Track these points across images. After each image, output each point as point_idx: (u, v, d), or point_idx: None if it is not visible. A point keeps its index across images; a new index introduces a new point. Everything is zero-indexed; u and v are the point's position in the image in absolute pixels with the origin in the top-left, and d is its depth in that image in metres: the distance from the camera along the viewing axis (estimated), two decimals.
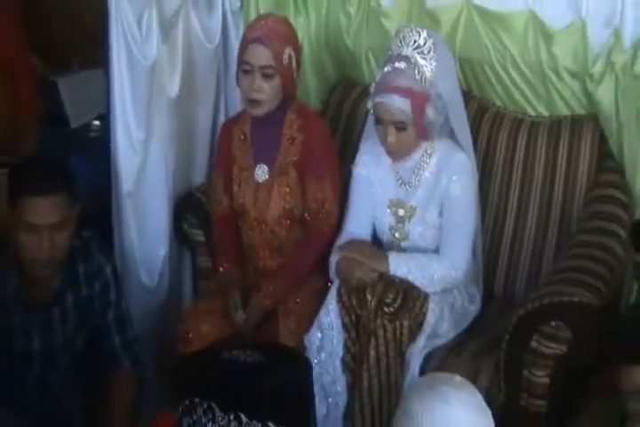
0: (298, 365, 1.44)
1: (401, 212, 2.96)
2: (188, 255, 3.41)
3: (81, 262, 2.70)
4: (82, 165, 3.22)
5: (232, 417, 1.34)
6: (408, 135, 2.81)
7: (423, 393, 1.89)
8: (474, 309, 3.05)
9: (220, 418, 1.34)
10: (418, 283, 2.82)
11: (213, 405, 1.34)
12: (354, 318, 2.82)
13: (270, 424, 1.33)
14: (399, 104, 2.75)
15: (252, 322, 2.92)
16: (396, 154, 2.88)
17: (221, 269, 3.10)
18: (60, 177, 2.59)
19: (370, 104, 2.84)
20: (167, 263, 3.34)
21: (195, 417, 1.36)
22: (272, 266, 3.09)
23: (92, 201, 3.01)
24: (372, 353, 2.76)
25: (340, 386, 2.85)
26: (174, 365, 1.46)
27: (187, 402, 1.38)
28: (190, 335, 2.91)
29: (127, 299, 2.88)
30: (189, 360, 1.49)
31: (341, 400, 2.85)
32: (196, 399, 1.36)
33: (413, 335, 2.79)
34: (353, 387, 2.83)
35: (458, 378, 1.97)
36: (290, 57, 2.93)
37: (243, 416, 1.33)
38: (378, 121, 2.83)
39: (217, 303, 3.00)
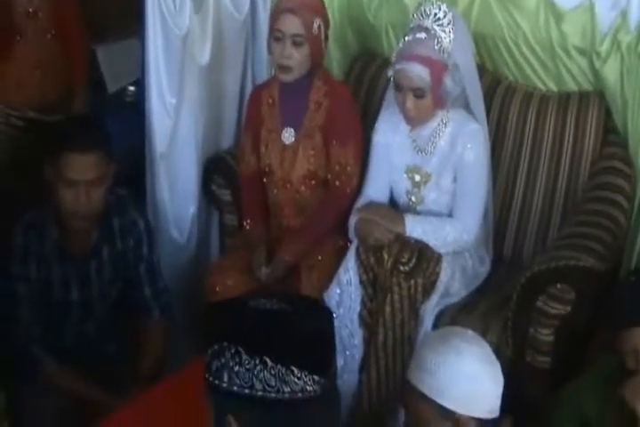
0: (321, 313, 1.43)
1: (417, 177, 2.94)
2: (216, 214, 3.40)
3: (116, 218, 2.71)
4: (117, 128, 3.20)
5: (258, 361, 1.32)
6: (425, 103, 2.78)
7: (436, 346, 1.89)
8: (484, 270, 3.04)
9: (246, 362, 1.33)
10: (432, 244, 2.81)
11: (240, 349, 1.33)
12: (371, 275, 2.82)
13: (294, 369, 1.32)
14: (419, 71, 2.73)
15: (276, 277, 2.92)
16: (414, 120, 2.85)
17: (247, 226, 3.10)
18: (98, 136, 2.61)
19: (390, 72, 2.82)
20: (196, 221, 3.33)
21: (223, 361, 1.35)
22: (295, 224, 3.08)
23: (126, 162, 3.01)
24: (388, 309, 2.76)
25: (357, 339, 2.85)
26: (203, 312, 1.45)
27: (215, 347, 1.36)
28: (217, 289, 2.92)
29: (158, 254, 2.89)
30: (217, 307, 1.48)
31: (358, 353, 2.85)
32: (224, 344, 1.35)
33: (427, 293, 2.79)
34: (369, 341, 2.83)
35: (469, 332, 1.97)
36: (319, 27, 2.91)
37: (268, 360, 1.32)
38: (397, 88, 2.81)
39: (242, 259, 3.01)
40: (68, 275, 2.68)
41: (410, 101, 2.78)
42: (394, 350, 2.79)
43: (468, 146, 2.85)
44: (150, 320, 2.78)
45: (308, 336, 1.36)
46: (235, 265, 3.00)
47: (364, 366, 2.84)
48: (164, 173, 3.23)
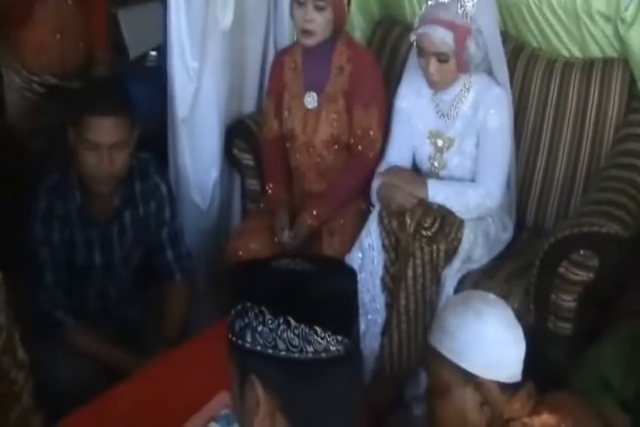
0: (345, 274, 1.42)
1: (439, 142, 2.92)
2: (238, 178, 3.40)
3: (138, 182, 2.72)
4: (139, 93, 3.19)
5: (281, 321, 1.32)
6: (449, 67, 2.76)
7: (458, 308, 1.88)
8: (506, 237, 3.02)
9: (269, 321, 1.32)
10: (454, 210, 2.80)
11: (264, 309, 1.32)
12: (393, 240, 2.81)
13: (317, 329, 1.32)
14: (442, 36, 2.70)
15: (298, 241, 2.92)
16: (438, 85, 2.83)
17: (269, 190, 3.10)
18: (121, 100, 2.61)
19: (413, 36, 2.78)
20: (218, 186, 3.33)
21: (246, 320, 1.34)
22: (318, 189, 3.08)
23: (148, 127, 3.00)
24: (410, 274, 2.76)
25: (379, 304, 2.85)
26: (227, 272, 1.44)
27: (238, 307, 1.36)
28: (240, 253, 2.92)
29: (180, 218, 2.89)
30: (241, 268, 1.48)
31: (380, 317, 2.86)
32: (248, 304, 1.34)
33: (449, 258, 2.79)
34: (391, 305, 2.83)
35: (491, 296, 1.95)
36: None
37: (291, 320, 1.31)
38: (420, 53, 2.78)
39: (265, 223, 3.00)
40: (91, 238, 2.69)
41: (433, 66, 2.75)
42: (415, 314, 2.79)
43: (492, 111, 2.82)
44: (172, 284, 2.79)
45: (331, 296, 1.35)
46: (257, 229, 3.00)
47: (385, 330, 2.85)
48: (186, 137, 3.22)
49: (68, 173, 2.64)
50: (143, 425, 2.04)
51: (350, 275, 1.42)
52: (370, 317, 2.84)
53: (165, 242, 2.79)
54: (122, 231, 2.73)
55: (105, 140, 2.52)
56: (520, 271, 2.89)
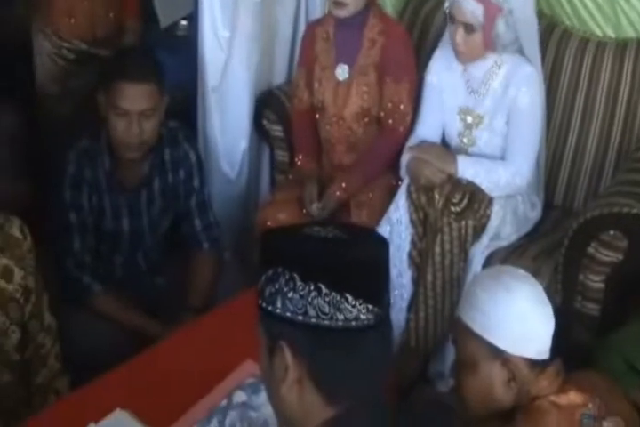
0: (377, 242, 1.41)
1: (469, 119, 2.91)
2: (267, 149, 3.40)
3: (168, 149, 2.71)
4: (169, 62, 3.18)
5: (312, 287, 1.31)
6: (475, 40, 2.74)
7: (487, 283, 1.87)
8: (535, 215, 3.01)
9: (300, 288, 1.31)
10: (483, 187, 2.79)
11: (295, 275, 1.31)
12: (422, 215, 2.81)
13: (348, 296, 1.31)
14: (472, 8, 2.68)
15: (327, 213, 2.92)
16: (463, 56, 2.80)
17: (299, 162, 3.10)
18: (151, 67, 2.60)
19: (447, 3, 2.77)
20: (247, 156, 3.33)
21: (277, 286, 1.33)
22: (347, 161, 3.07)
23: (178, 97, 3.00)
24: (438, 249, 2.75)
25: (406, 279, 2.85)
26: (259, 237, 1.43)
27: (269, 272, 1.35)
28: (268, 223, 2.92)
29: (209, 187, 2.89)
30: (273, 234, 1.47)
31: (406, 292, 2.86)
32: (279, 270, 1.33)
33: (477, 235, 2.78)
34: (418, 280, 2.83)
35: (521, 271, 1.94)
36: None
37: (322, 287, 1.30)
38: (451, 20, 2.77)
39: (294, 194, 3.01)
40: (119, 205, 2.69)
41: (459, 35, 2.74)
42: (442, 290, 2.79)
43: (523, 89, 2.80)
44: (200, 253, 2.79)
45: (363, 264, 1.34)
46: (286, 200, 3.01)
47: (411, 305, 2.85)
48: (216, 107, 3.22)
49: (98, 139, 2.64)
50: (168, 393, 2.04)
51: (382, 243, 1.41)
52: (396, 292, 2.84)
53: (193, 210, 2.79)
54: (150, 199, 2.73)
55: (135, 106, 2.52)
56: (548, 250, 2.87)
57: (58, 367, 2.30)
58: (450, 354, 2.78)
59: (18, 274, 2.18)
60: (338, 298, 1.31)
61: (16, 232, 2.19)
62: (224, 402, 2.04)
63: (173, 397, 2.03)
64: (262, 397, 2.04)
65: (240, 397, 2.05)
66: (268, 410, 1.99)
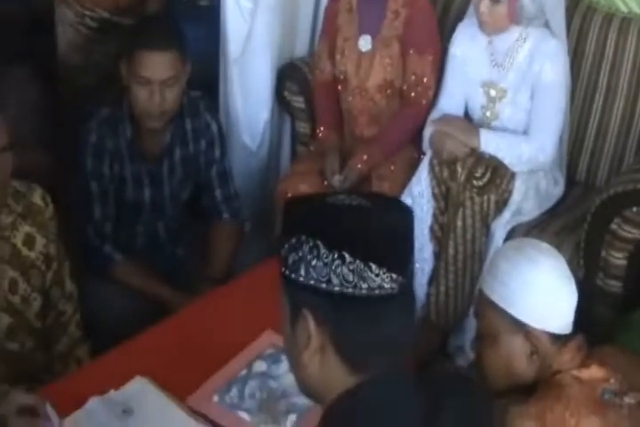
0: (401, 211, 1.40)
1: (492, 92, 2.88)
2: (288, 121, 3.38)
3: (189, 119, 2.70)
4: (191, 32, 3.16)
5: (336, 255, 1.29)
6: (500, 11, 2.70)
7: (510, 255, 1.85)
8: (557, 191, 2.99)
9: (324, 256, 1.30)
10: (506, 161, 2.76)
11: (319, 243, 1.29)
12: (444, 188, 2.79)
13: (372, 265, 1.29)
14: None
15: (348, 185, 2.89)
16: (487, 26, 2.77)
17: (320, 133, 3.08)
18: (173, 36, 2.59)
19: None
20: (268, 127, 3.32)
21: (300, 254, 1.31)
22: (369, 134, 3.05)
23: (200, 67, 2.98)
24: (459, 223, 2.74)
25: (427, 253, 2.84)
26: (283, 204, 1.42)
27: (293, 240, 1.33)
28: (289, 195, 2.90)
29: (230, 158, 2.88)
30: (296, 202, 1.46)
31: (427, 266, 2.85)
32: (302, 237, 1.31)
33: (499, 210, 2.76)
34: (439, 254, 2.82)
35: (545, 244, 1.93)
36: None
37: (346, 255, 1.29)
38: None
39: (315, 166, 2.99)
40: (140, 174, 2.69)
41: (484, 5, 2.71)
42: (463, 264, 2.78)
43: (547, 64, 2.77)
44: (220, 224, 2.79)
45: (388, 232, 1.33)
46: (307, 171, 2.99)
47: (432, 279, 2.84)
48: (238, 78, 3.20)
49: (120, 108, 2.63)
50: (188, 361, 2.04)
51: (407, 212, 1.39)
52: (417, 265, 2.82)
53: (214, 181, 2.78)
54: (171, 168, 2.72)
55: (157, 75, 2.51)
56: (570, 226, 2.86)
57: (79, 335, 2.32)
58: (469, 329, 2.78)
59: (40, 241, 2.20)
60: (362, 266, 1.30)
61: (38, 200, 2.21)
62: (244, 372, 2.05)
63: (193, 365, 2.03)
64: (282, 367, 2.05)
65: (260, 366, 2.06)
66: (287, 380, 2.00)
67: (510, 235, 2.79)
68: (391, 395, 1.34)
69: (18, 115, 2.80)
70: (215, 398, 1.98)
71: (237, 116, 3.26)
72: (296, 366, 1.38)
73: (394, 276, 1.32)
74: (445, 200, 2.80)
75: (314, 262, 1.31)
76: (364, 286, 1.30)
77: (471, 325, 2.78)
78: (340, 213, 1.34)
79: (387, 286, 1.31)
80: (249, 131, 3.29)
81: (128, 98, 2.59)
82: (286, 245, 1.35)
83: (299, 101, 3.24)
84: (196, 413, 1.94)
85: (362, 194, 1.39)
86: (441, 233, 2.83)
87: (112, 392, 1.96)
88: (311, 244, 1.31)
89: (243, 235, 2.85)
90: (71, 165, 2.69)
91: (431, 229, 2.84)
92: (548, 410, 1.73)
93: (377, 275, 1.31)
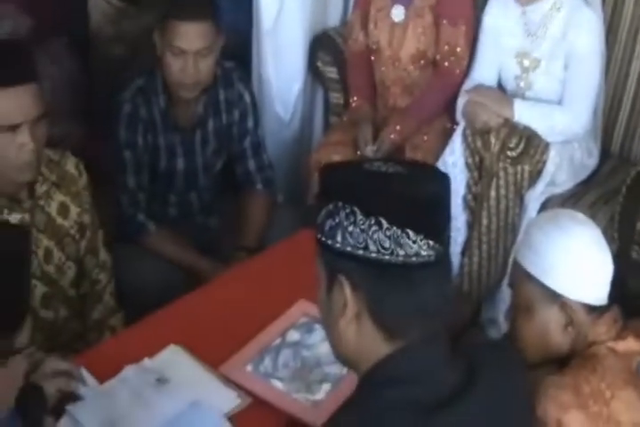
0: (439, 178, 1.37)
1: (526, 62, 2.83)
2: (321, 91, 3.35)
3: (222, 90, 2.68)
4: (225, 3, 3.15)
5: (373, 222, 1.27)
6: None
7: (545, 225, 1.81)
8: (592, 163, 2.94)
9: (361, 222, 1.28)
10: (539, 132, 2.72)
11: (356, 209, 1.27)
12: (477, 159, 2.76)
13: (409, 231, 1.27)
14: None
15: (381, 155, 2.86)
16: None
17: (353, 103, 3.05)
18: (206, 6, 2.56)
19: None
20: (301, 98, 3.29)
21: (337, 220, 1.29)
22: (402, 104, 3.02)
23: (232, 39, 2.96)
24: (493, 194, 2.71)
25: (460, 223, 2.81)
26: (320, 170, 1.40)
27: (330, 206, 1.31)
28: (322, 164, 2.89)
29: (263, 129, 2.86)
30: (333, 168, 1.44)
31: (461, 236, 2.82)
32: (339, 204, 1.29)
33: (533, 181, 2.72)
34: (472, 225, 2.79)
35: (580, 215, 1.89)
36: None
37: (383, 221, 1.27)
38: None
39: (348, 136, 2.96)
40: (174, 144, 2.68)
41: None
42: (497, 235, 2.75)
43: (582, 33, 2.71)
44: (253, 194, 2.78)
45: (425, 199, 1.30)
46: (340, 142, 2.97)
47: (465, 249, 2.82)
48: (271, 48, 3.17)
49: (154, 79, 2.62)
50: (222, 330, 2.03)
51: (443, 179, 1.36)
52: (451, 235, 2.81)
53: (248, 151, 2.77)
54: (204, 139, 2.71)
55: (190, 45, 2.49)
56: (605, 198, 2.82)
57: (113, 304, 2.31)
58: (502, 300, 2.75)
59: (74, 210, 2.19)
60: (399, 233, 1.27)
61: (72, 169, 2.20)
62: (277, 341, 2.03)
63: (227, 335, 2.02)
64: (315, 336, 2.03)
65: (293, 336, 2.04)
66: (321, 349, 1.98)
67: (544, 206, 2.76)
68: (427, 363, 1.32)
69: (52, 86, 2.82)
70: (249, 367, 1.96)
71: (270, 87, 3.23)
72: (332, 335, 1.36)
73: (431, 243, 1.29)
74: (479, 170, 2.77)
75: (350, 229, 1.29)
76: (401, 252, 1.28)
77: (503, 296, 2.76)
78: (377, 179, 1.32)
79: (423, 253, 1.29)
80: (282, 101, 3.26)
81: (161, 68, 2.56)
82: (323, 212, 1.33)
83: (331, 72, 3.21)
84: (229, 381, 1.93)
85: (398, 161, 1.37)
86: (474, 203, 2.80)
87: (146, 360, 1.96)
88: (348, 210, 1.29)
89: (275, 205, 2.83)
90: (105, 136, 2.68)
91: (464, 200, 2.81)
92: (584, 381, 1.70)
93: (414, 242, 1.28)
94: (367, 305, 1.30)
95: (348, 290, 1.30)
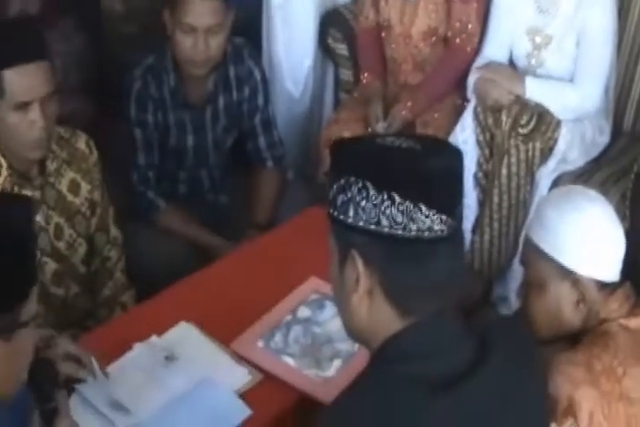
0: (451, 152, 1.35)
1: (537, 39, 2.80)
2: (331, 68, 3.32)
3: (232, 66, 2.66)
4: None
5: (385, 196, 1.25)
6: None
7: (558, 202, 1.79)
8: (603, 140, 2.91)
9: (373, 197, 1.26)
10: (551, 109, 2.70)
11: (368, 184, 1.26)
12: (488, 136, 2.73)
13: (422, 206, 1.25)
14: None
15: (392, 131, 2.82)
16: None
17: (364, 80, 3.02)
18: None
19: None
20: (311, 74, 3.27)
21: (349, 195, 1.27)
22: (413, 81, 2.99)
23: (243, 14, 2.94)
24: (504, 171, 2.68)
25: (471, 200, 2.79)
26: (332, 145, 1.38)
27: (342, 181, 1.29)
28: (333, 141, 2.88)
29: (273, 106, 2.84)
30: (345, 143, 1.42)
31: (472, 214, 2.80)
32: (352, 178, 1.27)
33: (544, 158, 2.70)
34: (483, 202, 2.77)
35: (592, 192, 1.87)
36: None
37: (396, 196, 1.25)
38: None
39: (358, 113, 2.94)
40: (184, 121, 2.66)
41: None
42: (508, 212, 2.73)
43: (594, 10, 2.68)
44: (264, 171, 2.76)
45: (437, 174, 1.27)
46: (351, 118, 2.94)
47: (476, 227, 2.80)
48: (281, 25, 3.16)
49: (164, 56, 2.59)
50: (233, 307, 2.01)
51: (456, 154, 1.34)
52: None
53: (258, 128, 2.75)
54: (215, 115, 2.68)
55: (201, 23, 2.46)
56: (616, 176, 2.79)
57: (124, 281, 2.31)
58: (513, 278, 2.74)
59: (84, 188, 2.18)
60: (411, 207, 1.25)
61: (82, 146, 2.19)
62: (288, 317, 2.02)
63: (237, 311, 2.00)
64: (326, 313, 2.02)
65: (304, 312, 2.03)
66: (331, 326, 1.97)
67: (555, 184, 2.73)
68: (439, 339, 1.31)
69: (64, 64, 2.81)
70: (260, 344, 1.95)
71: (280, 64, 3.21)
72: (344, 310, 1.35)
73: (443, 217, 1.27)
74: (490, 148, 2.74)
75: (363, 203, 1.27)
76: (414, 227, 1.26)
77: (515, 274, 2.74)
78: (390, 154, 1.30)
79: (436, 227, 1.27)
80: (292, 78, 3.24)
81: (172, 45, 2.54)
82: (334, 187, 1.31)
83: (342, 48, 3.18)
84: (240, 358, 1.93)
85: (411, 136, 1.36)
86: (485, 181, 2.78)
87: (155, 338, 1.94)
88: (360, 185, 1.27)
89: (286, 182, 2.82)
90: (115, 113, 2.66)
91: (475, 177, 2.79)
92: (596, 358, 1.68)
93: (426, 216, 1.26)
94: (379, 280, 1.29)
95: (360, 265, 1.28)
